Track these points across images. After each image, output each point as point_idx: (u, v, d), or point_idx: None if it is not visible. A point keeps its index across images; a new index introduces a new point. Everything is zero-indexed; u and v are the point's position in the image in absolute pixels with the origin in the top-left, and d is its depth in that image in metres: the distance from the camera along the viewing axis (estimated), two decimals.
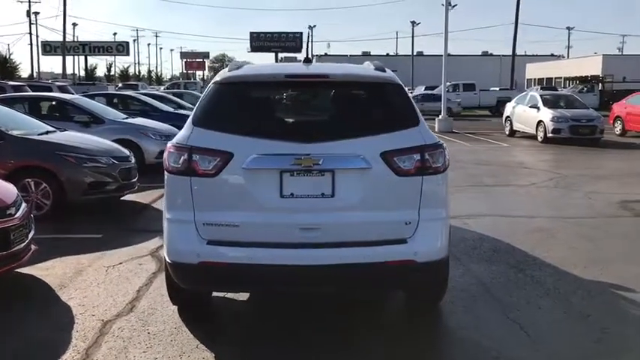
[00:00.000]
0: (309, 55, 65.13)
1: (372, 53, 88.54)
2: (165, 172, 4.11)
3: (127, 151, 8.93)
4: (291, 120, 4.31)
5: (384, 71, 4.43)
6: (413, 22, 69.60)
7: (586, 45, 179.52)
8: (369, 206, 3.91)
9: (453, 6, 26.38)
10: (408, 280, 4.12)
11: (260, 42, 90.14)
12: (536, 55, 77.56)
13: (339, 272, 3.85)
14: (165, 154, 4.11)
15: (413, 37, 70.99)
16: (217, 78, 4.31)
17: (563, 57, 76.90)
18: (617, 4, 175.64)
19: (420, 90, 45.87)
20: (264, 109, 4.35)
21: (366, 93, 4.41)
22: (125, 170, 8.47)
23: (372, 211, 3.92)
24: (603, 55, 54.57)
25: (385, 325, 4.70)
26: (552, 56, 77.83)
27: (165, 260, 4.21)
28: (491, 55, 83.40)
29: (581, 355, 4.18)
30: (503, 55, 69.54)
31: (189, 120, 4.18)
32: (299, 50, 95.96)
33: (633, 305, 5.06)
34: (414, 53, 72.05)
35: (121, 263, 6.06)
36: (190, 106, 21.03)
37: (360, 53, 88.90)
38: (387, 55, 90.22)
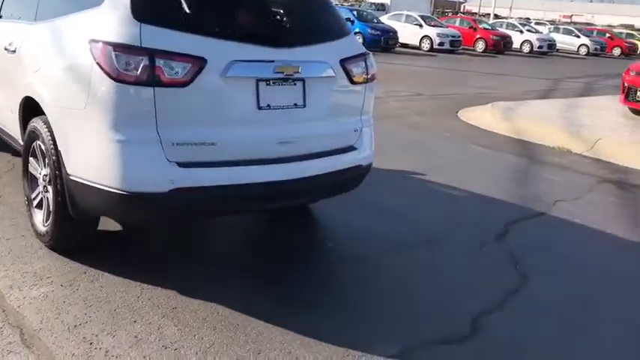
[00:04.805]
0: None
1: None
2: (103, 79, 3.02)
3: None
4: (253, 22, 3.59)
5: None
6: None
7: None
8: (332, 115, 3.82)
9: None
10: (357, 184, 4.16)
11: None
12: None
13: (314, 183, 3.67)
14: (102, 56, 3.00)
15: None
16: None
17: None
18: None
19: None
20: (223, 8, 3.49)
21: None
22: None
23: (334, 120, 3.84)
24: None
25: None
26: None
27: (107, 192, 3.12)
28: None
29: None
30: None
31: (124, 12, 3.08)
32: None
33: None
34: None
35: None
36: None
37: None
38: None
